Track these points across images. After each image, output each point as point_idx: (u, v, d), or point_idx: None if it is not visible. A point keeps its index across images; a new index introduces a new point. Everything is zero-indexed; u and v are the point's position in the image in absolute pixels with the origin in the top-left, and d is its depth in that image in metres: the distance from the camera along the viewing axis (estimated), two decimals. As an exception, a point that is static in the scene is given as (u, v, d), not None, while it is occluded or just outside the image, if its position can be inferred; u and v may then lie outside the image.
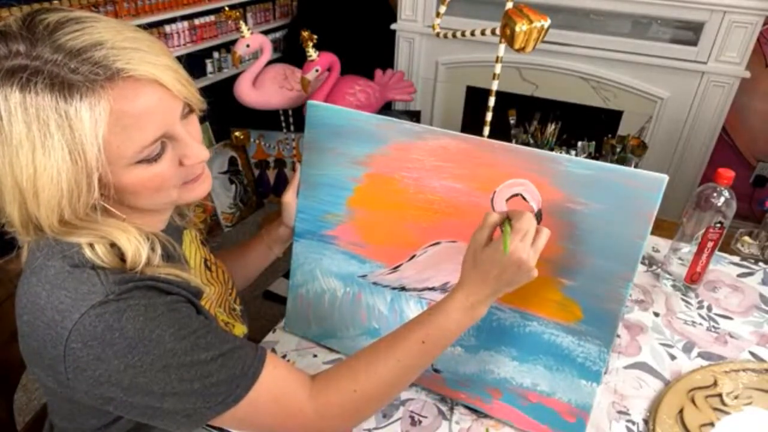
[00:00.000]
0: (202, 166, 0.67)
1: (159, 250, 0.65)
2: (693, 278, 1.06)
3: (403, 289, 0.82)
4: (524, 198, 0.70)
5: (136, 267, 0.61)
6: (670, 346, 0.95)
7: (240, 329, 0.82)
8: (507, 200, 0.72)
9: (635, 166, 1.94)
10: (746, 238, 1.27)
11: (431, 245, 0.78)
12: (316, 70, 2.01)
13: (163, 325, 0.58)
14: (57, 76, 0.51)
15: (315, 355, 0.90)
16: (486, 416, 0.80)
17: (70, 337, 0.55)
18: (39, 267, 0.60)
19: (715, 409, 0.81)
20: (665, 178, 0.64)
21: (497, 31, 0.98)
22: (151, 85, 0.55)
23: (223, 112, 2.33)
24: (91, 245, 0.59)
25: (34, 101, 0.50)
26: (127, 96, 0.54)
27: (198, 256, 0.81)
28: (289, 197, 0.88)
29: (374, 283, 0.84)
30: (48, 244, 0.60)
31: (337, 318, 0.88)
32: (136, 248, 0.61)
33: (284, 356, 0.90)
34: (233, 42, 2.14)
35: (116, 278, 0.59)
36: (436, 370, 0.82)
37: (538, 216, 0.70)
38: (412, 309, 0.82)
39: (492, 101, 1.07)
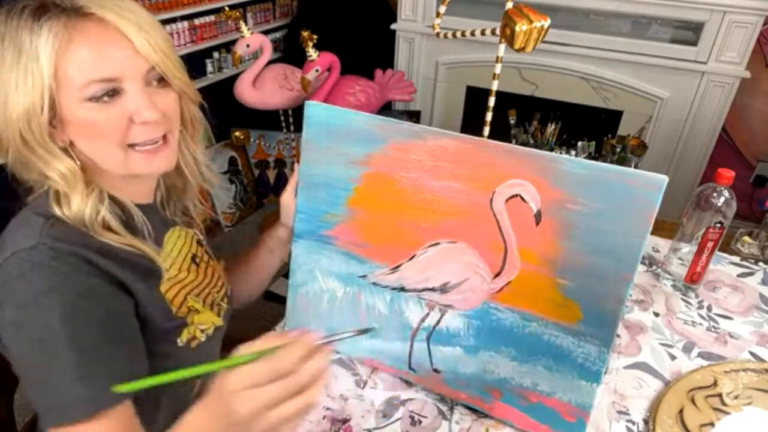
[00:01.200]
0: (158, 135, 0.67)
1: (119, 217, 0.68)
2: (693, 278, 1.06)
3: (402, 289, 0.82)
4: (523, 198, 0.70)
5: (80, 214, 0.63)
6: (670, 346, 0.95)
7: (209, 317, 0.78)
8: (506, 201, 0.72)
9: (635, 166, 1.95)
10: (746, 238, 1.27)
11: (431, 245, 0.78)
12: (316, 70, 2.00)
13: (63, 299, 0.58)
14: (42, 5, 0.60)
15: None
16: (486, 416, 0.80)
17: None
18: (21, 211, 0.67)
19: (715, 409, 0.81)
20: (665, 178, 0.63)
21: (497, 31, 0.98)
22: (114, 31, 0.62)
23: (223, 112, 2.33)
24: (57, 200, 0.64)
25: (19, 23, 0.60)
26: (88, 30, 0.61)
27: (185, 249, 0.81)
28: (288, 198, 0.88)
29: (374, 284, 0.84)
30: (38, 196, 0.67)
31: (336, 318, 0.88)
32: (81, 199, 0.64)
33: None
34: (233, 42, 2.14)
35: (59, 233, 0.61)
36: (436, 371, 0.82)
37: (538, 216, 0.70)
38: (412, 309, 0.82)
39: (492, 101, 1.07)
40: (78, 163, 0.66)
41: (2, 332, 0.61)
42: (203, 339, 0.76)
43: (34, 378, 0.60)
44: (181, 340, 0.73)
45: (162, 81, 0.67)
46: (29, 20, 0.59)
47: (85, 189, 0.65)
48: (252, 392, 0.48)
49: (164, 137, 0.69)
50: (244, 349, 0.50)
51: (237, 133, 2.55)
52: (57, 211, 0.64)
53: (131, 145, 0.66)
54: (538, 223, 0.70)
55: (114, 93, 0.63)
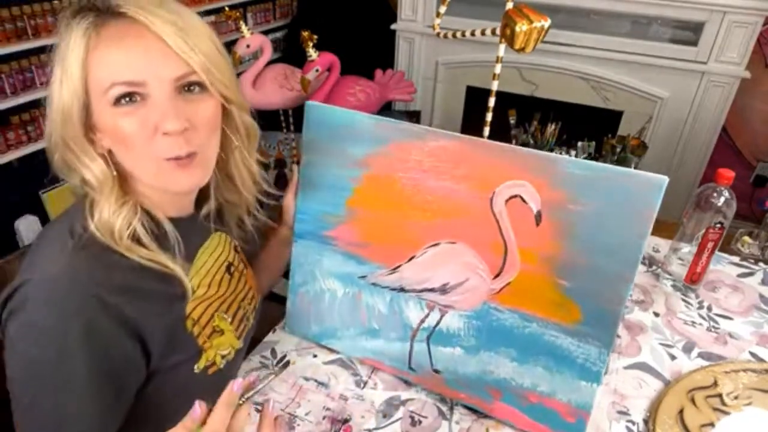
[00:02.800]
0: (183, 152, 0.62)
1: (151, 232, 0.65)
2: (693, 278, 1.06)
3: (402, 290, 0.82)
4: (523, 199, 0.70)
5: (111, 223, 0.62)
6: (670, 346, 0.95)
7: (230, 340, 0.76)
8: (506, 201, 0.72)
9: (635, 167, 1.95)
10: (746, 238, 1.27)
11: (430, 246, 0.78)
12: (316, 70, 2.00)
13: (64, 338, 0.58)
14: (81, 3, 0.59)
15: (315, 355, 0.90)
16: (486, 416, 0.80)
17: (12, 294, 0.60)
18: (57, 217, 0.67)
19: (715, 409, 0.81)
20: (665, 179, 0.63)
21: (497, 31, 0.98)
22: (144, 31, 0.59)
23: (223, 112, 2.32)
24: (91, 212, 0.63)
25: (63, 22, 0.59)
26: (116, 29, 0.59)
27: (222, 257, 0.79)
28: (289, 199, 0.88)
29: (373, 284, 0.84)
30: (74, 207, 0.66)
31: (337, 318, 0.88)
32: (112, 207, 0.62)
33: (284, 356, 0.90)
34: (233, 42, 2.14)
35: (83, 264, 0.60)
36: (436, 371, 0.82)
37: (538, 217, 0.70)
38: (412, 309, 0.82)
39: (492, 101, 1.07)
40: (114, 171, 0.64)
41: (4, 341, 0.61)
42: (222, 365, 0.74)
43: (16, 396, 0.60)
44: (198, 367, 0.71)
45: (201, 87, 0.62)
46: (68, 18, 0.59)
47: (119, 198, 0.63)
48: None
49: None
50: None
51: (237, 133, 2.55)
52: (90, 221, 0.62)
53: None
54: (538, 224, 0.70)
55: (138, 98, 0.59)
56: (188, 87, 0.61)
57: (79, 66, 0.58)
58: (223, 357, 0.74)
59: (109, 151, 0.64)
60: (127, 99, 0.59)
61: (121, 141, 0.61)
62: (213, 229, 0.79)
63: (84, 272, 0.59)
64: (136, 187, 0.67)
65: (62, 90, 0.59)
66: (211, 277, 0.75)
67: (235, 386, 0.52)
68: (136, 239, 0.64)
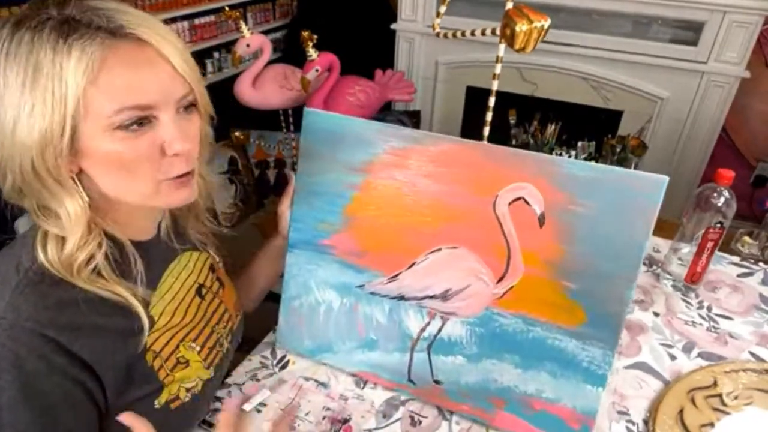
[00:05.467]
0: (189, 168, 0.63)
1: (112, 258, 0.62)
2: (693, 278, 1.06)
3: (402, 298, 0.80)
4: (527, 202, 0.70)
5: (71, 260, 0.58)
6: (670, 346, 0.95)
7: (196, 372, 0.72)
8: (509, 204, 0.71)
9: (635, 166, 1.95)
10: (746, 238, 1.27)
11: (432, 252, 0.77)
12: (316, 70, 2.00)
13: (12, 383, 0.54)
14: (67, 21, 0.53)
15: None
16: (486, 416, 0.80)
17: None
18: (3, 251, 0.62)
19: (715, 409, 0.81)
20: (666, 179, 0.63)
21: (497, 31, 0.98)
22: (153, 54, 0.56)
23: (223, 112, 2.32)
24: (44, 242, 0.58)
25: (38, 39, 0.53)
26: (124, 52, 0.55)
27: (191, 279, 0.75)
28: (285, 207, 0.86)
29: (372, 293, 0.81)
30: (23, 236, 0.62)
31: (332, 331, 0.85)
32: (77, 243, 0.58)
33: (283, 357, 0.90)
34: (233, 42, 2.14)
35: (28, 306, 0.55)
36: (437, 382, 0.80)
37: (542, 219, 0.70)
38: (412, 318, 0.80)
39: (492, 101, 1.07)
40: (86, 199, 0.60)
41: None
42: (187, 399, 0.70)
43: None
44: (159, 402, 0.67)
45: (194, 106, 0.62)
46: (52, 36, 0.52)
47: (86, 233, 0.59)
48: None
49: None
50: None
51: (237, 134, 2.55)
52: (41, 256, 0.58)
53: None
54: (542, 225, 0.70)
55: (145, 122, 0.57)
56: (184, 107, 0.61)
57: (77, 89, 0.53)
58: (188, 390, 0.70)
59: (79, 171, 0.59)
60: (137, 123, 0.57)
61: (117, 165, 0.58)
62: (180, 249, 0.75)
63: (27, 317, 0.55)
64: (103, 211, 0.63)
65: (43, 114, 0.53)
66: (177, 303, 0.71)
67: (231, 404, 0.51)
68: (96, 271, 0.60)
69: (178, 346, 0.70)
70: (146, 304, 0.65)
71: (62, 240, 0.59)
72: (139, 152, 0.58)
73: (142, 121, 0.57)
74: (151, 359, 0.66)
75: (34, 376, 0.56)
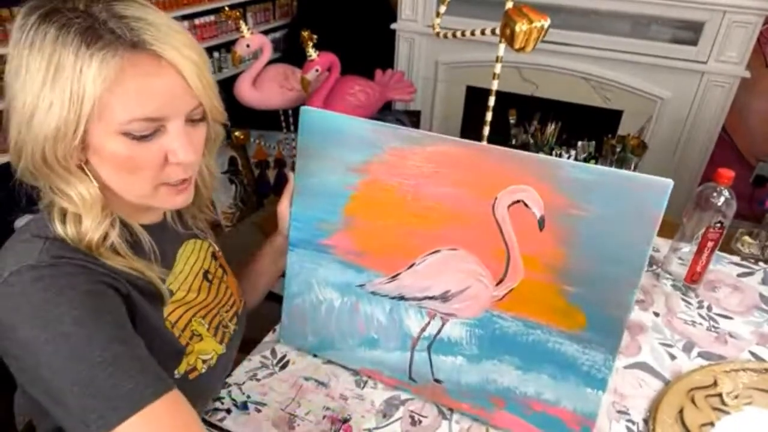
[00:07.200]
0: (188, 176, 0.66)
1: (124, 238, 0.65)
2: (693, 278, 1.06)
3: (402, 298, 0.80)
4: (526, 205, 0.69)
5: (89, 237, 0.61)
6: (670, 346, 0.95)
7: (212, 345, 0.75)
8: (509, 207, 0.70)
9: (635, 166, 1.95)
10: (746, 238, 1.27)
11: (431, 253, 0.77)
12: (316, 70, 2.00)
13: (70, 304, 0.56)
14: (92, 27, 0.55)
15: (315, 355, 0.90)
16: (486, 416, 0.80)
17: None
18: (14, 234, 0.64)
19: (715, 409, 0.81)
20: (670, 183, 0.62)
21: (497, 31, 0.98)
22: (168, 68, 0.58)
23: (223, 112, 2.32)
24: (62, 219, 0.61)
25: (63, 41, 0.55)
26: (141, 65, 0.57)
27: (197, 265, 0.79)
28: (284, 207, 0.86)
29: (372, 293, 0.82)
30: (34, 218, 0.64)
31: (334, 329, 0.86)
32: (93, 222, 0.61)
33: (284, 356, 0.90)
34: (233, 42, 2.14)
35: (60, 251, 0.59)
36: (437, 381, 0.80)
37: (541, 222, 0.69)
38: (412, 318, 0.80)
39: (492, 101, 1.07)
40: (96, 184, 0.62)
41: (19, 354, 0.57)
42: (204, 370, 0.73)
43: (70, 391, 0.55)
44: (179, 372, 0.70)
45: (202, 117, 0.65)
46: (76, 41, 0.55)
47: (100, 213, 0.62)
48: None
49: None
50: None
51: (237, 133, 2.55)
52: (60, 230, 0.61)
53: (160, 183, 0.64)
54: (541, 229, 0.69)
55: (154, 131, 0.60)
56: (194, 119, 0.64)
57: (94, 95, 0.56)
58: (204, 362, 0.73)
59: (86, 162, 0.61)
60: (147, 134, 0.59)
61: (120, 165, 0.61)
62: (185, 235, 0.78)
63: (63, 255, 0.59)
64: (111, 198, 0.65)
65: (59, 112, 0.56)
66: (189, 283, 0.75)
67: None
68: (112, 249, 0.63)
69: (191, 320, 0.73)
70: (163, 280, 0.68)
71: (78, 217, 0.62)
72: (143, 157, 0.61)
73: (154, 132, 0.60)
74: (170, 327, 0.69)
75: (90, 291, 0.58)
